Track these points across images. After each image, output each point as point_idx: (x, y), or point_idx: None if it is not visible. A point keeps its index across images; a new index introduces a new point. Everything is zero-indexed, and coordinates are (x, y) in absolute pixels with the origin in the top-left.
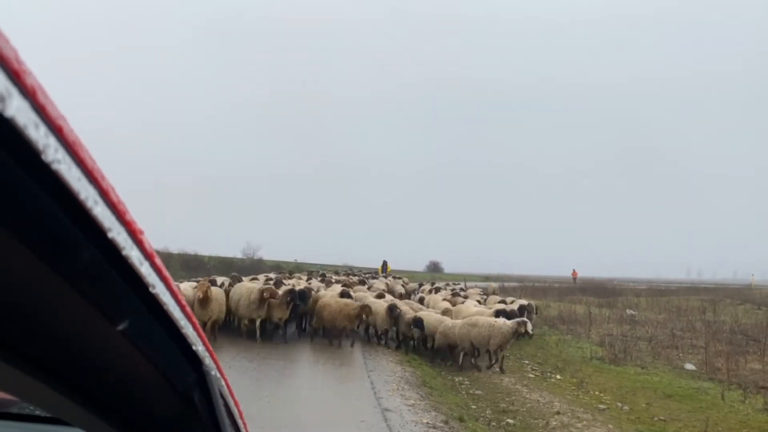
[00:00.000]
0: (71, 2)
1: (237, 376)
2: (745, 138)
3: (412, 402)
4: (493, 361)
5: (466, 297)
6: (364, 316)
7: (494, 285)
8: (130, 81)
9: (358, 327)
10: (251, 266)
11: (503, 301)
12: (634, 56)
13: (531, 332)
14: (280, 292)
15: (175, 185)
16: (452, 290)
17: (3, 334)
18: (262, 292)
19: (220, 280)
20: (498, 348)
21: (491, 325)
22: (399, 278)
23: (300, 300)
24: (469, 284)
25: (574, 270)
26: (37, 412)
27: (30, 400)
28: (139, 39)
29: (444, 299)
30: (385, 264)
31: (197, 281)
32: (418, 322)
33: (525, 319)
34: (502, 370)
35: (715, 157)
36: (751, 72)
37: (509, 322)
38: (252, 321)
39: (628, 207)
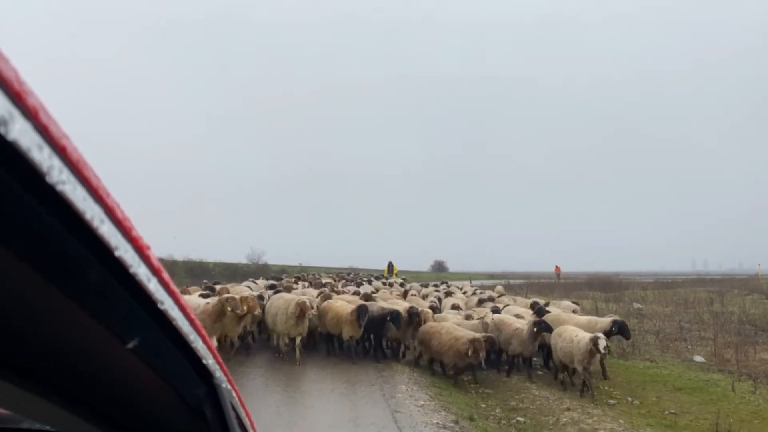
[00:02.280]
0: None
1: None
2: (747, 127)
3: (422, 403)
4: (584, 386)
5: (491, 299)
6: (471, 352)
7: (500, 287)
8: (122, 88)
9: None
10: (256, 271)
11: (543, 304)
12: (633, 48)
13: (606, 351)
14: (349, 309)
15: (176, 191)
16: (474, 292)
17: (13, 355)
18: (299, 305)
19: (264, 293)
20: (583, 368)
21: (571, 339)
22: (404, 279)
23: (392, 321)
24: (474, 283)
25: (557, 266)
26: (47, 428)
27: (39, 418)
28: (130, 46)
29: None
30: (390, 265)
31: (207, 292)
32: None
33: (599, 335)
34: (581, 393)
35: (717, 147)
36: (756, 60)
37: (585, 337)
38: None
39: (632, 200)
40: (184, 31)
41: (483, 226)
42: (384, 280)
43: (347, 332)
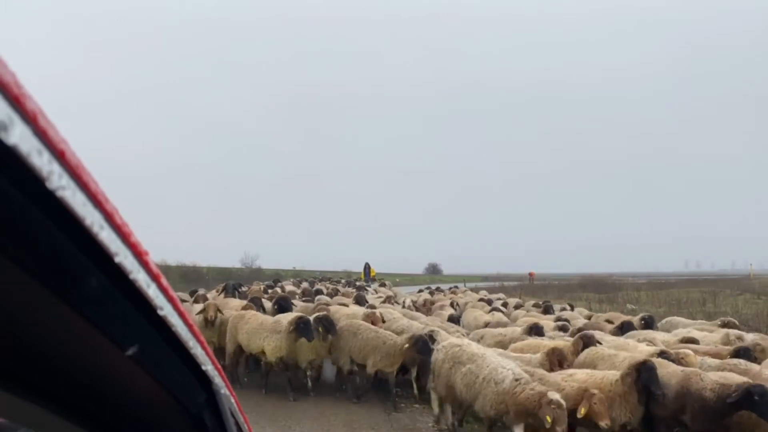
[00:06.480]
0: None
1: None
2: (740, 128)
3: (416, 405)
4: None
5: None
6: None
7: (469, 291)
8: (109, 93)
9: None
10: (250, 275)
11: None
12: (634, 47)
13: None
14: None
15: (171, 196)
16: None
17: (11, 364)
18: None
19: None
20: None
21: None
22: (383, 283)
23: None
24: (469, 285)
25: (531, 272)
26: None
27: (37, 427)
28: (130, 52)
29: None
30: (367, 267)
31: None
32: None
33: None
34: None
35: (709, 148)
36: (755, 64)
37: None
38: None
39: (626, 201)
40: (180, 30)
41: (477, 228)
42: (363, 284)
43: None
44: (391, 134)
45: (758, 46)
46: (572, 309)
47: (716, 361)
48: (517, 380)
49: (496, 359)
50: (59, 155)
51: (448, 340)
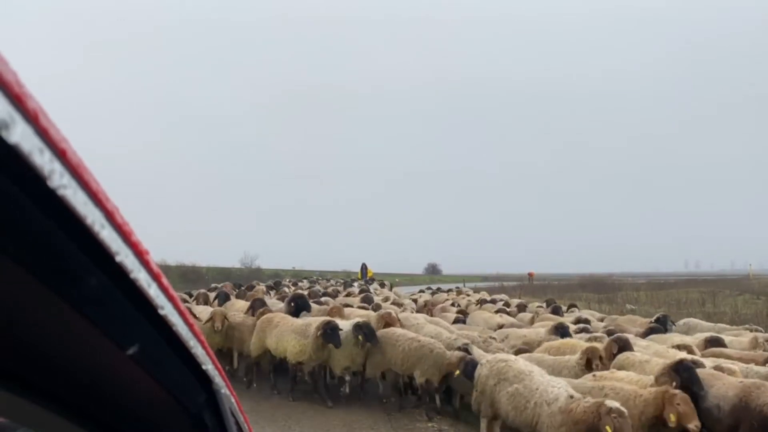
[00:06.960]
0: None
1: None
2: (740, 128)
3: (418, 407)
4: None
5: None
6: None
7: (476, 294)
8: (107, 94)
9: None
10: (249, 275)
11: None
12: (638, 46)
13: None
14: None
15: (171, 196)
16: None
17: (11, 364)
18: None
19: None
20: None
21: None
22: (383, 283)
23: None
24: (468, 285)
25: (530, 272)
26: None
27: (36, 426)
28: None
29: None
30: (364, 267)
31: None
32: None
33: None
34: None
35: (709, 148)
36: (755, 64)
37: None
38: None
39: (626, 201)
40: (180, 30)
41: (477, 228)
42: (362, 284)
43: None
44: (391, 134)
45: (758, 46)
46: (578, 310)
47: (762, 369)
48: (571, 396)
49: (545, 378)
50: (60, 154)
51: (495, 355)
